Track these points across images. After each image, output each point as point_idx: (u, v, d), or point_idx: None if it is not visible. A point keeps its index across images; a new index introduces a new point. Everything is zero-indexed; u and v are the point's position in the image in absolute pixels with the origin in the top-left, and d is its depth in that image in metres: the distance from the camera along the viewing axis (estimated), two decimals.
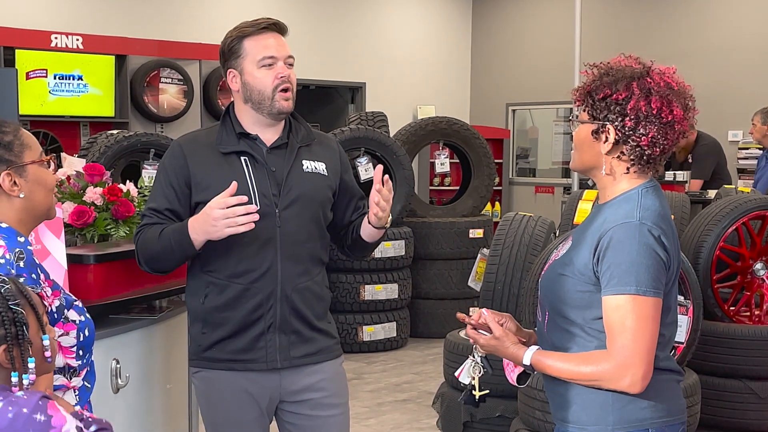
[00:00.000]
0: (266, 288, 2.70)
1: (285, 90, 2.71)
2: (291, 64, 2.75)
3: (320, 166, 2.81)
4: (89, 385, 2.17)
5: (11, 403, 1.61)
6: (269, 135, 2.77)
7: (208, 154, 2.72)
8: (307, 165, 2.78)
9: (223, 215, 2.52)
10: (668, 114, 2.18)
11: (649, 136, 2.18)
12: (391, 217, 2.78)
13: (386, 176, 2.68)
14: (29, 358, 1.74)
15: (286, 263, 2.71)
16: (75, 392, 2.12)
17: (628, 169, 2.23)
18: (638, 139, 2.19)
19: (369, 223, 2.76)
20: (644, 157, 2.21)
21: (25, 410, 1.61)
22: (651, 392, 2.17)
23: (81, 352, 2.09)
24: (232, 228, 2.53)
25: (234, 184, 2.56)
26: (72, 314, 2.10)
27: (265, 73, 2.70)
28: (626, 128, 2.19)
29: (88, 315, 2.17)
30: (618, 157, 2.22)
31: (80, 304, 2.15)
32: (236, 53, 2.72)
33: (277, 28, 2.75)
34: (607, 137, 2.21)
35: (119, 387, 3.00)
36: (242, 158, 2.72)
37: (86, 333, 2.09)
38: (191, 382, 2.86)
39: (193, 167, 2.71)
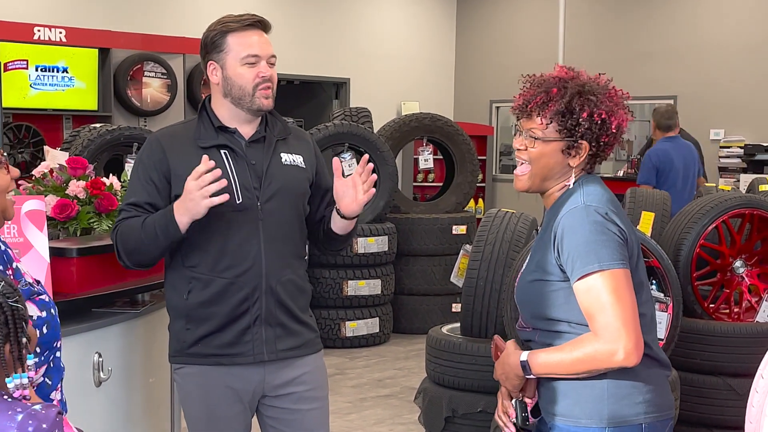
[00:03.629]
0: (251, 281, 2.70)
1: (266, 88, 2.72)
2: (273, 64, 2.76)
3: (298, 159, 2.82)
4: (50, 382, 2.10)
5: (31, 416, 1.58)
6: (247, 129, 2.77)
7: (188, 148, 2.72)
8: (286, 158, 2.79)
9: (196, 186, 2.52)
10: (627, 123, 2.31)
11: (612, 146, 2.30)
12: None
13: (369, 165, 2.72)
14: (29, 355, 1.70)
15: (270, 256, 2.71)
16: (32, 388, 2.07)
17: (583, 171, 2.31)
18: (607, 152, 2.30)
19: (339, 214, 2.78)
20: (598, 162, 2.33)
21: (44, 426, 1.58)
22: (646, 387, 2.21)
23: (38, 350, 1.98)
24: (208, 199, 2.53)
25: (205, 158, 2.55)
26: (31, 308, 2.00)
27: (247, 70, 2.70)
28: (602, 143, 2.27)
29: (54, 310, 2.07)
30: (583, 167, 2.30)
31: (46, 298, 2.06)
32: (219, 47, 2.72)
33: (261, 25, 2.75)
34: (578, 152, 2.26)
35: (101, 380, 3.00)
36: (222, 152, 2.72)
37: (44, 330, 2.00)
38: (173, 377, 2.85)
39: (173, 161, 2.70)
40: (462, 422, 4.62)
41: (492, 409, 4.48)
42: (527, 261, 2.35)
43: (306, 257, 2.91)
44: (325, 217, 2.89)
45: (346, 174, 2.77)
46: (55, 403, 2.04)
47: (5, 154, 2.19)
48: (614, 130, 2.25)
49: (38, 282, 2.16)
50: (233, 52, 2.70)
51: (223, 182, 2.54)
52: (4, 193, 2.10)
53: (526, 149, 2.29)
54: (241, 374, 2.74)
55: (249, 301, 2.70)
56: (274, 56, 2.76)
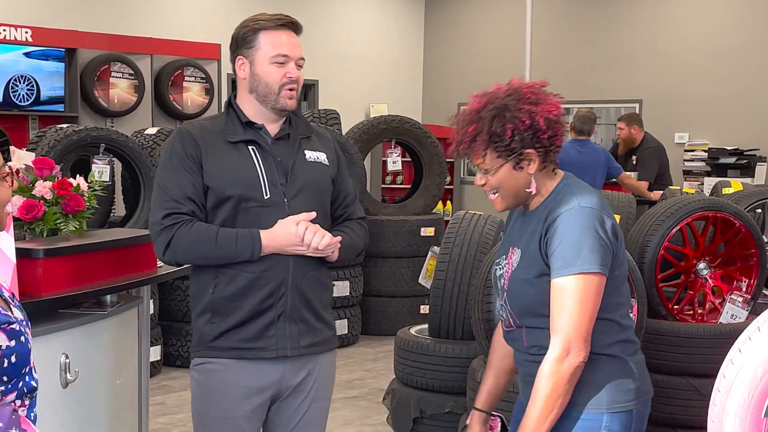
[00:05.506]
0: (278, 276, 2.71)
1: (291, 89, 2.76)
2: (300, 66, 2.79)
3: (321, 156, 2.86)
4: (18, 402, 2.07)
5: None
6: (272, 126, 2.81)
7: (217, 141, 2.75)
8: (310, 155, 2.83)
9: (307, 243, 2.66)
10: (558, 108, 2.36)
11: (560, 135, 2.35)
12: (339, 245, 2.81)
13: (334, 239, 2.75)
14: None
15: None
16: None
17: (553, 171, 2.40)
18: (554, 143, 2.35)
19: None
20: (555, 154, 2.38)
21: (0, 425, 1.57)
22: (634, 375, 2.37)
23: (5, 378, 1.93)
24: (303, 249, 2.67)
25: (313, 214, 2.70)
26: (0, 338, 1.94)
27: (276, 69, 2.73)
28: (545, 141, 2.33)
29: (24, 338, 2.00)
30: (542, 169, 2.37)
31: (17, 327, 1.98)
32: (249, 43, 2.75)
33: (293, 26, 2.79)
34: (529, 161, 2.34)
35: (68, 382, 2.99)
36: (250, 147, 2.75)
37: (13, 359, 1.94)
38: (190, 374, 2.83)
39: (205, 154, 2.72)
40: (430, 423, 4.65)
41: (459, 409, 4.51)
42: (518, 259, 2.40)
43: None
44: (340, 218, 2.93)
45: None
46: (14, 406, 2.00)
47: (8, 165, 2.13)
48: (544, 126, 2.30)
49: (11, 300, 2.08)
50: (263, 50, 2.74)
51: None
52: (3, 206, 2.06)
53: (486, 182, 2.41)
54: (262, 371, 2.74)
55: (275, 296, 2.72)
56: (302, 58, 2.79)
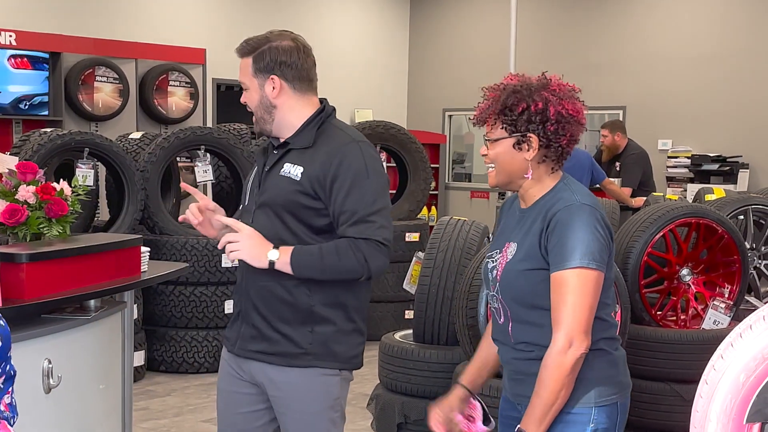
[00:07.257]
0: (239, 279, 2.86)
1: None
2: (243, 89, 2.84)
3: (296, 171, 2.70)
4: (2, 387, 2.08)
5: None
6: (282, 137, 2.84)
7: (261, 154, 2.91)
8: (285, 168, 2.73)
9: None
10: (578, 112, 2.43)
11: (568, 135, 2.41)
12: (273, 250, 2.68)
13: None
14: None
15: None
16: None
17: (552, 169, 2.46)
18: (559, 140, 2.40)
19: None
20: (563, 155, 2.44)
21: None
22: (619, 369, 2.45)
23: None
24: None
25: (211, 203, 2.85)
26: None
27: None
28: (549, 133, 2.39)
29: (3, 321, 2.01)
30: (541, 161, 2.43)
31: None
32: None
33: (239, 50, 2.83)
34: (529, 146, 2.40)
35: (51, 387, 2.98)
36: (264, 156, 2.88)
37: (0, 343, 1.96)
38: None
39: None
40: (414, 428, 4.65)
41: None
42: (513, 251, 2.44)
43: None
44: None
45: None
46: (3, 407, 2.01)
47: None
48: (553, 118, 2.36)
49: None
50: None
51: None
52: None
53: (487, 154, 2.47)
54: (229, 360, 2.90)
55: (236, 296, 2.88)
56: (241, 83, 2.84)
